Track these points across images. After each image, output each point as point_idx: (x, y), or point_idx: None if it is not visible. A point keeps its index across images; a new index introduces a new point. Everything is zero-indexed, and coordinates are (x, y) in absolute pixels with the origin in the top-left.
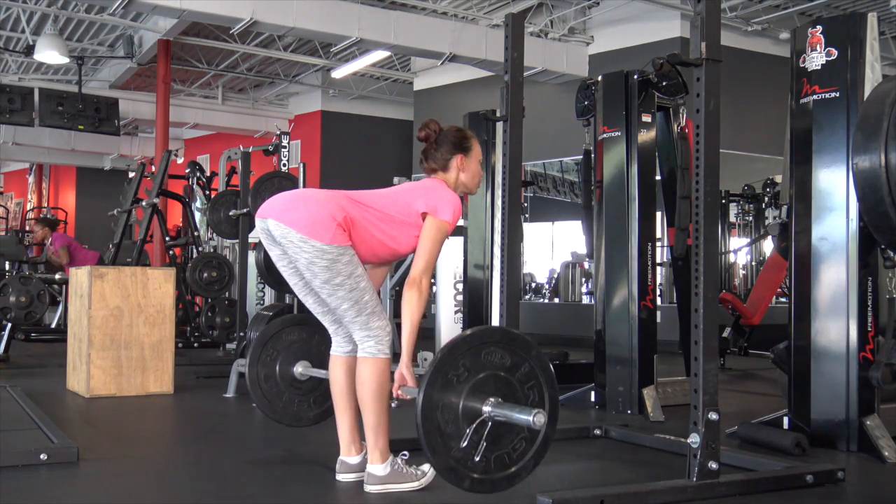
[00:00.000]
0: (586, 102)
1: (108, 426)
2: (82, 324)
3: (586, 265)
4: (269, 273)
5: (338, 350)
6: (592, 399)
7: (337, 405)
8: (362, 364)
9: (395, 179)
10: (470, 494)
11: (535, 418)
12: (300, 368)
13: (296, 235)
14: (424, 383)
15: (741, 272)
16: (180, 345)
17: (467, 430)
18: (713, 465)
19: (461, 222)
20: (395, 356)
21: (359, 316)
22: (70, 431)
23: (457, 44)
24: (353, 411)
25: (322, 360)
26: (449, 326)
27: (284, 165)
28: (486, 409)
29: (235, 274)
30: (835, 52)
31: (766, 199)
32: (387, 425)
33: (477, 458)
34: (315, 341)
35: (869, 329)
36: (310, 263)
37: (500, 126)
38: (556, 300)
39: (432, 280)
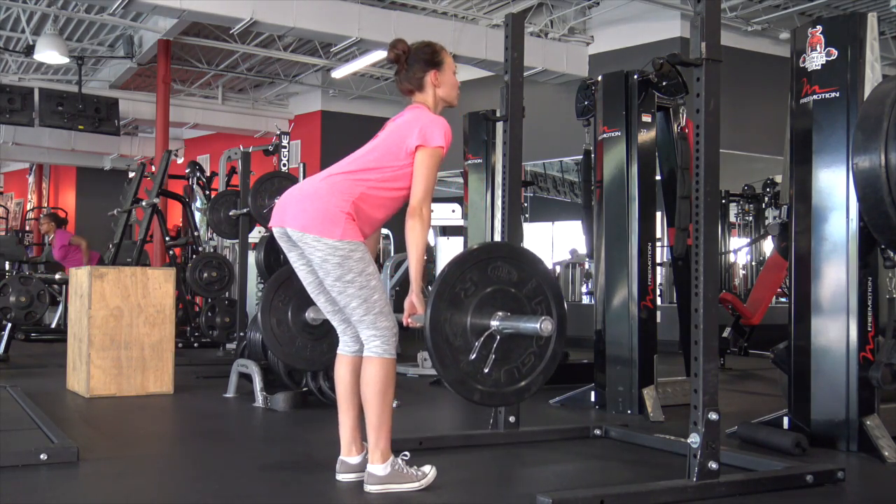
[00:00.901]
0: (586, 102)
1: (108, 426)
2: (82, 324)
3: (586, 265)
4: (269, 273)
5: (345, 349)
6: (592, 399)
7: (340, 404)
8: (367, 363)
9: None
10: (470, 494)
11: (542, 325)
12: (312, 314)
13: (309, 237)
14: (433, 295)
15: (741, 272)
16: (180, 345)
17: (476, 344)
18: (713, 465)
19: (461, 222)
20: (399, 357)
21: (367, 315)
22: (70, 431)
23: (457, 44)
24: (356, 411)
25: None
26: None
27: (284, 165)
28: (494, 322)
29: (235, 274)
30: (835, 52)
31: (766, 199)
32: (389, 425)
33: (486, 371)
34: None
35: (869, 329)
36: (323, 261)
37: (500, 126)
38: None
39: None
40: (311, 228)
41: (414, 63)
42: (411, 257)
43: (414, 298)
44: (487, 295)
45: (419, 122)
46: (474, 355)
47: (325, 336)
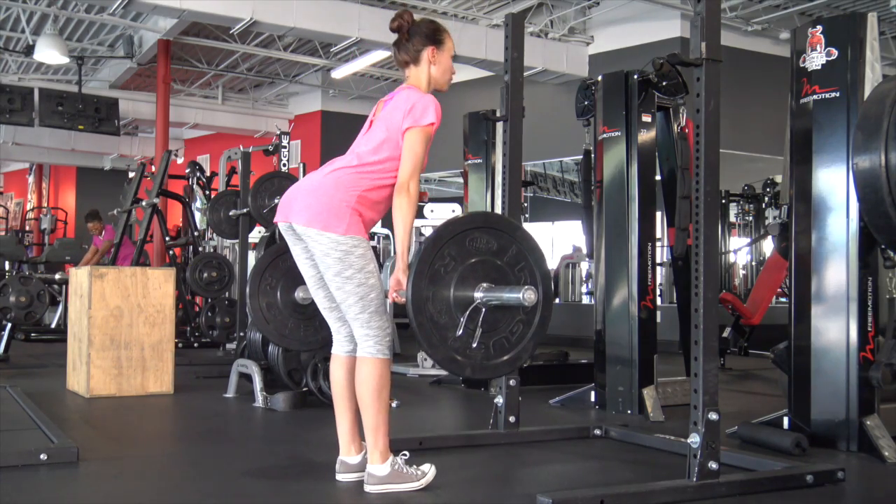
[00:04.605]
0: (586, 102)
1: (108, 426)
2: (82, 324)
3: (585, 265)
4: None
5: (339, 350)
6: (592, 399)
7: (337, 405)
8: (362, 364)
9: None
10: (470, 494)
11: (524, 295)
12: (301, 294)
13: (313, 231)
14: (411, 277)
15: (741, 272)
16: (180, 345)
17: (461, 319)
18: (713, 465)
19: None
20: (396, 356)
21: (362, 313)
22: (70, 431)
23: (457, 44)
24: (354, 411)
25: None
26: None
27: (284, 165)
28: (478, 294)
29: (235, 274)
30: (835, 52)
31: (766, 199)
32: (386, 425)
33: (475, 345)
34: None
35: (869, 329)
36: (325, 255)
37: (500, 126)
38: (557, 300)
39: None
40: (316, 223)
41: (415, 35)
42: (398, 233)
43: (400, 275)
44: (468, 267)
45: (408, 101)
46: (461, 331)
47: (316, 314)
